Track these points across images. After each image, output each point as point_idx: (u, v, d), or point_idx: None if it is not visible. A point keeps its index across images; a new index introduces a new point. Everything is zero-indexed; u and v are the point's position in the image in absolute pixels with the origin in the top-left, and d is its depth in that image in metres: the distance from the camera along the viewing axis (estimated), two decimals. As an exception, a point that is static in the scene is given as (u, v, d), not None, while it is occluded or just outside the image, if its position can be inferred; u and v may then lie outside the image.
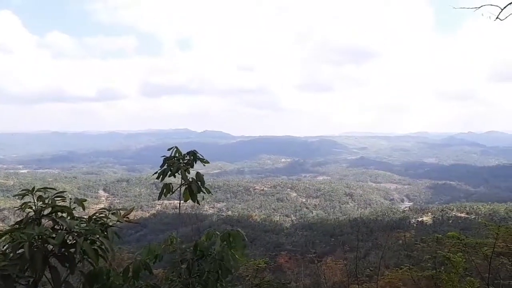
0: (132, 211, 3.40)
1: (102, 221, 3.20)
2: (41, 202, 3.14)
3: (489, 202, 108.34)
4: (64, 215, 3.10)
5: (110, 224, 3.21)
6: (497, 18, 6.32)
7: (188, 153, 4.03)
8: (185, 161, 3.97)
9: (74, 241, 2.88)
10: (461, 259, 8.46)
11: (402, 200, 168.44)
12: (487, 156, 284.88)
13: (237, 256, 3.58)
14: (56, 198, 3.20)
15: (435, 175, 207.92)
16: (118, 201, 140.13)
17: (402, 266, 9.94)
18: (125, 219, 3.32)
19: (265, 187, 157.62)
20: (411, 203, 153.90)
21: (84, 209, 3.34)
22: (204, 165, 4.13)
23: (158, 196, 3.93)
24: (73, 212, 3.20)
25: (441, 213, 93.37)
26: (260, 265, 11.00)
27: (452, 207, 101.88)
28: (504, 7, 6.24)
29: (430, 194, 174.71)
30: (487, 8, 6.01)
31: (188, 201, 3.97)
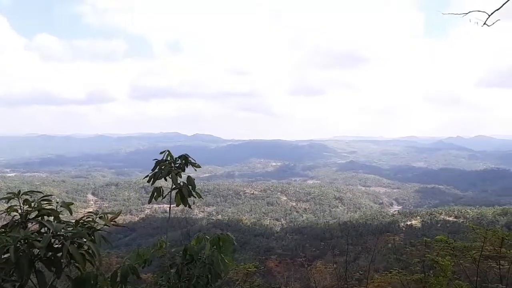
0: (119, 214, 3.36)
1: (89, 225, 3.16)
2: (27, 206, 3.09)
3: (477, 206, 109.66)
4: (51, 218, 3.06)
5: (98, 228, 3.17)
6: (484, 24, 6.39)
7: (179, 157, 4.01)
8: (177, 165, 3.95)
9: (61, 244, 2.84)
10: (449, 263, 8.51)
11: (391, 204, 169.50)
12: (475, 160, 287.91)
13: (226, 261, 3.56)
14: (42, 202, 3.16)
15: (424, 179, 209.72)
16: (107, 205, 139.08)
17: (391, 270, 9.97)
18: (112, 223, 3.27)
19: (255, 191, 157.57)
20: (400, 207, 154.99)
21: (71, 213, 3.29)
22: (196, 170, 4.11)
23: (149, 200, 3.90)
24: (60, 216, 3.16)
25: (429, 217, 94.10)
26: (250, 269, 10.98)
27: (440, 211, 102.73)
28: (491, 13, 6.31)
29: (419, 198, 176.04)
30: (474, 14, 6.08)
31: (178, 205, 3.95)
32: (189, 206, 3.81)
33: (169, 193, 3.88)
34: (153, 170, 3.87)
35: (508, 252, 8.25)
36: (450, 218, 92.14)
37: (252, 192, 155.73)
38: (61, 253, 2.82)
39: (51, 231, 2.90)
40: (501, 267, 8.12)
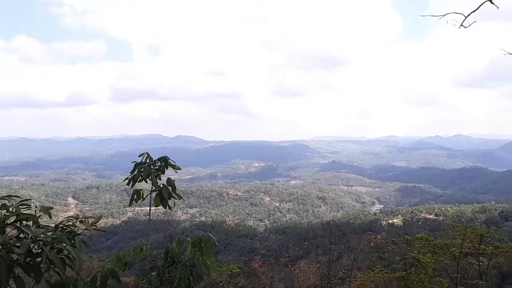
0: (100, 218, 3.32)
1: (69, 229, 3.12)
2: (5, 211, 3.03)
3: (457, 204, 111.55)
4: (30, 223, 3.01)
5: (78, 232, 3.13)
6: (461, 25, 6.48)
7: (159, 159, 3.99)
8: (156, 167, 3.93)
9: (40, 250, 2.79)
10: (430, 260, 8.65)
11: (373, 203, 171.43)
12: (454, 159, 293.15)
13: (208, 262, 3.55)
14: (21, 206, 3.10)
15: (404, 178, 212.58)
16: (88, 208, 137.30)
17: (374, 268, 10.07)
18: (93, 227, 3.24)
19: (238, 192, 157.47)
20: (381, 206, 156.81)
21: (50, 217, 3.24)
22: (176, 172, 4.09)
23: (129, 203, 3.87)
24: (40, 220, 3.10)
25: (410, 215, 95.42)
26: (234, 271, 10.97)
27: (421, 209, 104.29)
28: (468, 15, 6.41)
29: (400, 197, 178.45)
30: (452, 16, 6.19)
31: (160, 208, 3.92)
32: (170, 208, 3.79)
33: (150, 195, 3.85)
34: (132, 172, 3.84)
35: (487, 249, 8.42)
36: (431, 216, 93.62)
37: (235, 193, 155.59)
38: (40, 259, 2.78)
39: (30, 236, 2.85)
40: (480, 263, 8.29)
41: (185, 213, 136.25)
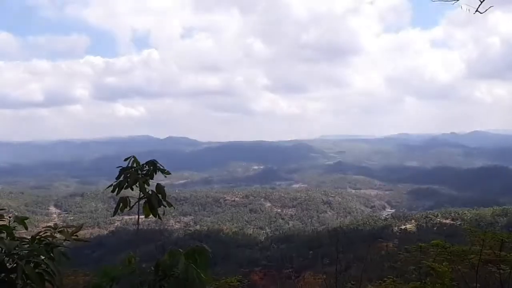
0: (81, 228, 3.28)
1: (48, 241, 3.08)
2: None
3: (475, 207, 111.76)
4: (3, 235, 2.98)
5: (57, 243, 3.09)
6: (476, 11, 6.50)
7: (147, 163, 3.95)
8: (144, 172, 3.90)
9: (15, 264, 2.76)
10: (447, 269, 8.62)
11: (384, 207, 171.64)
12: (471, 157, 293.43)
13: (203, 275, 3.51)
14: (-7, 217, 3.07)
15: (417, 179, 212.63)
16: (71, 217, 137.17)
17: (385, 279, 10.05)
18: (74, 237, 3.20)
19: (236, 197, 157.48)
20: (393, 210, 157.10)
21: (26, 228, 3.21)
22: (165, 176, 4.06)
23: (114, 212, 3.83)
24: (16, 232, 3.07)
25: (425, 220, 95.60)
26: (232, 284, 10.93)
27: (436, 213, 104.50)
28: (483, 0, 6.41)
29: (412, 200, 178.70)
30: (466, 1, 6.18)
31: (151, 216, 3.89)
32: (159, 217, 3.76)
33: (137, 203, 3.81)
34: (117, 178, 3.80)
35: (508, 255, 8.40)
36: (447, 221, 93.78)
37: (233, 199, 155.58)
38: (15, 274, 2.74)
39: (3, 250, 2.81)
40: (501, 271, 8.26)
41: (178, 222, 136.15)
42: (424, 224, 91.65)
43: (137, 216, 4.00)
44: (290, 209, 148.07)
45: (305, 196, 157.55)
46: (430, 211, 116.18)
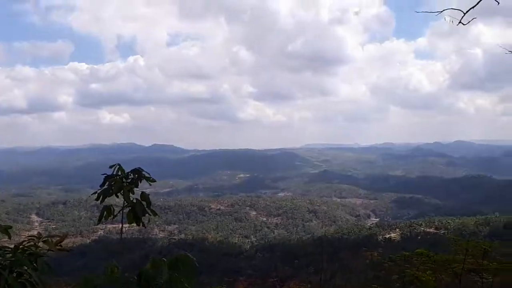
0: (65, 237, 3.26)
1: (31, 251, 3.05)
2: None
3: (458, 216, 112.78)
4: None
5: (41, 253, 3.06)
6: (459, 22, 6.62)
7: (132, 171, 3.94)
8: (129, 180, 3.88)
9: (-3, 274, 2.73)
10: (430, 278, 8.69)
11: (369, 216, 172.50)
12: (455, 167, 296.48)
13: (187, 285, 3.49)
14: (-25, 226, 3.03)
15: (401, 189, 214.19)
16: (54, 226, 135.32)
17: (369, 288, 10.09)
18: (58, 246, 3.17)
19: (221, 206, 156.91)
20: (377, 219, 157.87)
21: (10, 237, 3.17)
22: (150, 184, 4.05)
23: (97, 220, 3.81)
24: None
25: (409, 229, 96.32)
26: (216, 293, 10.90)
27: (420, 222, 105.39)
28: (467, 11, 6.56)
29: (397, 209, 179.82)
30: (449, 13, 6.30)
31: (135, 225, 3.87)
32: (144, 225, 3.73)
33: (121, 212, 3.79)
34: (101, 186, 3.78)
35: (491, 264, 8.50)
36: (431, 230, 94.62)
37: (218, 207, 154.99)
38: (-3, 284, 2.71)
39: (-15, 259, 2.78)
40: (484, 280, 8.36)
41: (163, 230, 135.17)
42: (408, 233, 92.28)
43: (120, 225, 3.97)
44: (275, 218, 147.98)
45: (290, 205, 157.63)
46: (414, 220, 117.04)
